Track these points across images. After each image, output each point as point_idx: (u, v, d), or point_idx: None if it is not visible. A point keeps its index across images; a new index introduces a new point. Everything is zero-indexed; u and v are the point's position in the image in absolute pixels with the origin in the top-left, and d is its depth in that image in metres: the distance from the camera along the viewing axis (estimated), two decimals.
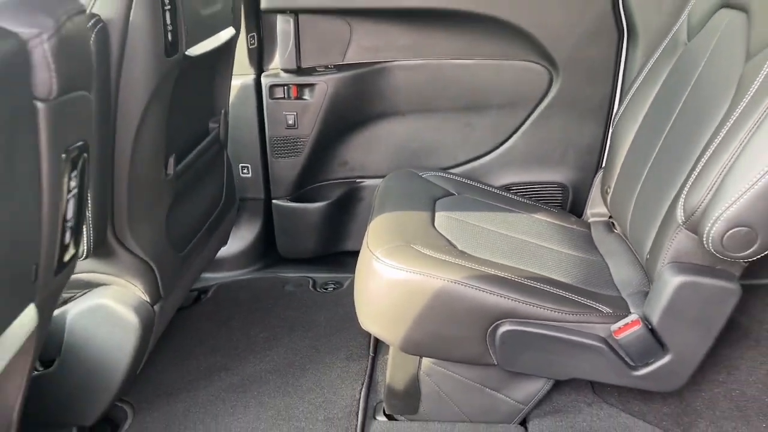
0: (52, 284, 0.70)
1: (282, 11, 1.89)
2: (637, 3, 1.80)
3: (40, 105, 0.61)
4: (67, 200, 0.70)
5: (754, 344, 1.66)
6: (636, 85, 1.66)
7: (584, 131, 1.99)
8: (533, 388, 1.43)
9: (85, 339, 1.31)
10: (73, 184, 0.70)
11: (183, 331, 1.80)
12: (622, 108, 1.69)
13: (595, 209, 1.77)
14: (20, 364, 0.69)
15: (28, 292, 0.67)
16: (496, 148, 2.06)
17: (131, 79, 1.16)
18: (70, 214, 0.71)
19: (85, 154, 0.71)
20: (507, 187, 2.03)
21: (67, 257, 0.73)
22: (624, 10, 1.83)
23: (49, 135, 0.62)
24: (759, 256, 1.16)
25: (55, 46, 0.60)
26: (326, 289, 2.02)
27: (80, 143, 0.69)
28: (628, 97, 1.67)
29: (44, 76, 0.61)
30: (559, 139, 2.01)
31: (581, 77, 1.93)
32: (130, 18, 1.13)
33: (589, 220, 1.77)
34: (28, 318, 0.67)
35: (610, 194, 1.67)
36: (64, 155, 0.66)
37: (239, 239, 2.10)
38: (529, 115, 2.00)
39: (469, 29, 1.91)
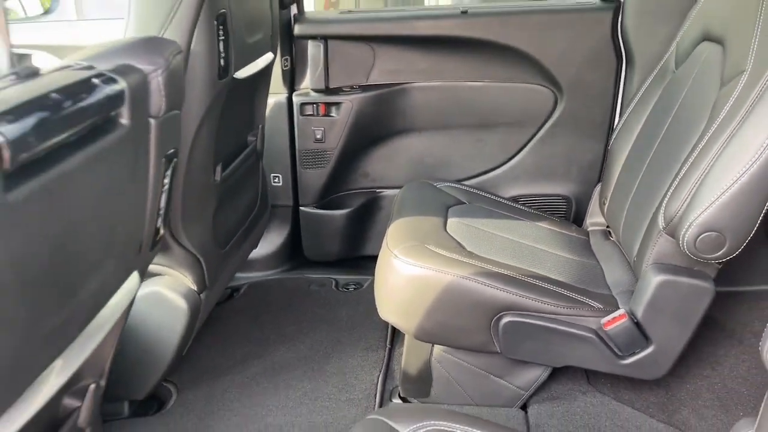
0: (148, 257, 0.90)
1: (313, 37, 2.10)
2: (633, 33, 1.98)
3: (152, 121, 0.81)
4: (161, 193, 0.90)
5: (737, 344, 1.82)
6: (631, 107, 1.84)
7: (586, 148, 2.17)
8: (532, 375, 1.60)
9: (141, 321, 1.51)
10: (166, 181, 0.90)
11: (219, 323, 2.00)
12: (618, 127, 1.87)
13: (594, 219, 1.94)
14: (120, 320, 0.89)
15: (134, 261, 0.86)
16: (505, 162, 2.24)
17: (190, 99, 1.35)
18: (162, 204, 0.92)
19: (175, 159, 0.91)
20: (515, 199, 2.20)
21: (158, 237, 0.93)
22: (622, 39, 2.02)
23: (156, 143, 0.82)
24: (728, 258, 1.34)
25: (165, 78, 0.81)
26: (347, 288, 2.20)
27: (173, 150, 0.90)
28: (624, 117, 1.85)
29: (157, 100, 0.81)
30: (563, 155, 2.19)
31: (583, 99, 2.12)
32: (191, 47, 1.33)
33: (588, 229, 1.94)
34: (133, 281, 0.86)
35: (606, 205, 1.84)
36: (163, 159, 0.86)
37: (269, 242, 2.30)
38: (535, 133, 2.19)
39: (481, 55, 2.11)
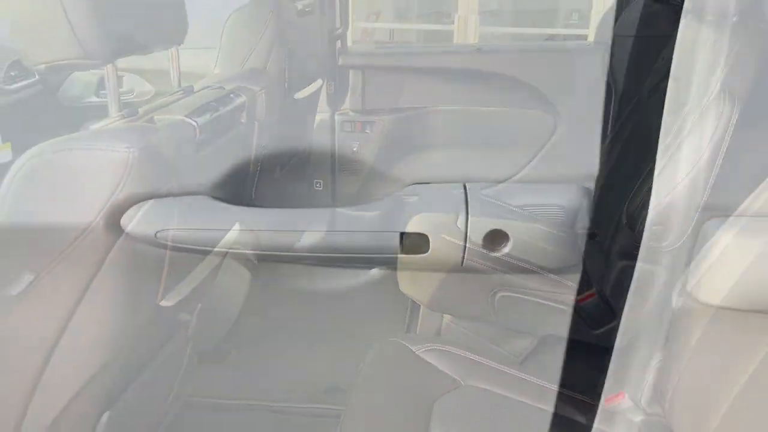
0: None
1: (353, 67, 2.55)
2: (619, 72, 2.38)
3: (256, 122, 1.23)
4: (257, 168, 1.33)
5: None
6: (615, 132, 2.23)
7: (580, 165, 2.55)
8: (523, 344, 1.97)
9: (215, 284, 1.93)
10: (258, 162, 1.34)
11: (267, 297, 2.41)
12: (604, 149, 2.25)
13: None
14: (222, 259, 1.31)
15: None
16: (511, 176, 2.63)
17: None
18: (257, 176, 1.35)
19: (265, 152, 1.35)
20: (519, 208, 2.59)
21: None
22: (613, 76, 2.42)
23: (257, 137, 1.24)
24: (673, 247, 1.71)
25: (266, 94, 1.23)
26: (375, 276, 2.60)
27: (264, 144, 1.33)
28: (608, 140, 2.24)
29: (261, 109, 1.23)
30: (561, 171, 2.58)
31: (579, 124, 2.51)
32: (266, 70, 1.77)
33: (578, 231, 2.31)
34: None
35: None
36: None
37: (309, 236, 2.70)
38: (537, 152, 2.58)
39: (493, 85, 2.52)
